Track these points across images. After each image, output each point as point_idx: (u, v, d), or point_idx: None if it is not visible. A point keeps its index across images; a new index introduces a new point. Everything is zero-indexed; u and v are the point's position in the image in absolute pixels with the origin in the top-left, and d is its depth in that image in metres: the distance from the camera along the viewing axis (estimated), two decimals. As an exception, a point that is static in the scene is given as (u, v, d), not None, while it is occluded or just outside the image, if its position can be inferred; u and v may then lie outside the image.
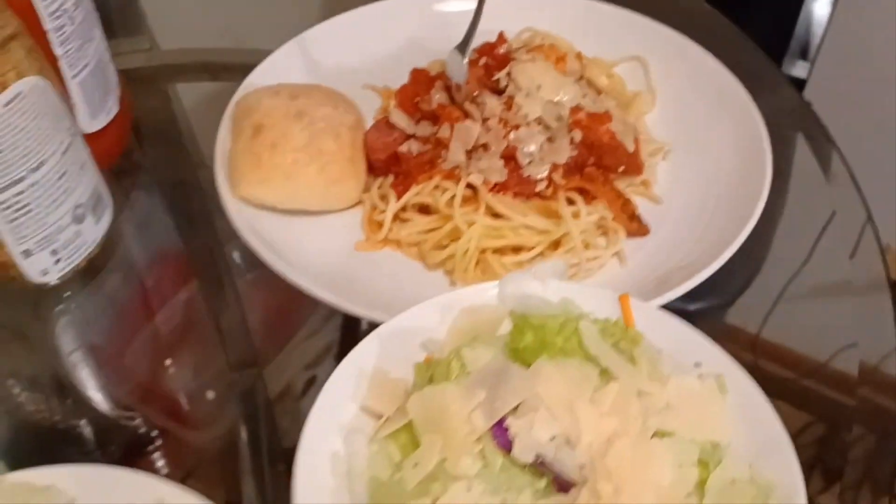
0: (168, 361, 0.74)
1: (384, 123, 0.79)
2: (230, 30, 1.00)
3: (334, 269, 0.72)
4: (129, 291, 0.79)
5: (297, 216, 0.76)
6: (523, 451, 0.52)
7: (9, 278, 0.71)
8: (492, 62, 0.80)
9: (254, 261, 0.79)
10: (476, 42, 0.80)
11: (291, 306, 0.76)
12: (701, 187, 0.78)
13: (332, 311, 0.74)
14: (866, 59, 1.37)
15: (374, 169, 0.78)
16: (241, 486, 0.66)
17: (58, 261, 0.72)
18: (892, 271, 0.77)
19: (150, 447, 0.68)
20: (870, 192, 0.82)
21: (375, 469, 0.54)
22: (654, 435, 0.54)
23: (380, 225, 0.75)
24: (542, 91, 0.76)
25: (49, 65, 0.69)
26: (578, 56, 0.83)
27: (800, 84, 1.35)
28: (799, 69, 1.38)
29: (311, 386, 0.70)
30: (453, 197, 0.74)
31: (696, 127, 0.81)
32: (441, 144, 0.76)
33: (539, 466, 0.52)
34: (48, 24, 0.71)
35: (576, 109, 0.76)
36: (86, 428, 0.71)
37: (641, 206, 0.77)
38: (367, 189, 0.78)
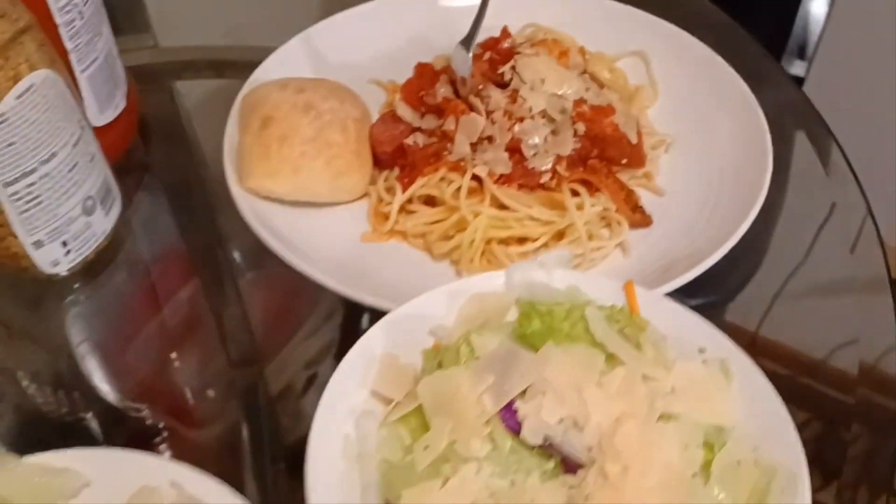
0: (170, 359, 0.74)
1: (390, 117, 0.80)
2: (233, 28, 1.00)
3: (342, 260, 0.73)
4: (132, 289, 0.80)
5: (304, 208, 0.77)
6: (532, 433, 0.53)
7: (20, 269, 0.72)
8: (496, 57, 0.81)
9: (255, 260, 0.80)
10: (480, 37, 0.81)
11: (292, 305, 0.77)
12: (703, 179, 0.78)
13: (332, 311, 0.75)
14: (864, 59, 1.38)
15: (379, 162, 0.79)
16: (242, 484, 0.66)
17: (68, 252, 0.73)
18: (892, 268, 0.77)
19: (152, 443, 0.68)
20: (868, 191, 0.83)
21: (386, 451, 0.55)
22: (660, 418, 0.55)
23: (386, 216, 0.76)
24: (545, 84, 0.77)
25: (59, 59, 0.69)
26: (581, 51, 0.84)
27: (798, 83, 1.36)
28: (797, 68, 1.38)
29: (312, 384, 0.71)
30: (459, 188, 0.74)
31: (697, 120, 0.82)
32: (446, 137, 0.76)
33: (547, 448, 0.53)
34: (59, 19, 0.72)
35: (579, 102, 0.76)
36: (91, 421, 0.71)
37: (644, 198, 0.78)
38: (373, 182, 0.79)
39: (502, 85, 0.78)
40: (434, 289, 0.62)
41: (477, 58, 0.80)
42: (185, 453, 0.67)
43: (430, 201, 0.77)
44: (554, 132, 0.76)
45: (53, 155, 0.68)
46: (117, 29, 0.81)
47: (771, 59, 0.95)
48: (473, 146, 0.76)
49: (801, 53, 1.36)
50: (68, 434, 0.69)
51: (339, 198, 0.77)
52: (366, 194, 0.79)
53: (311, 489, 0.52)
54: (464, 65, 0.78)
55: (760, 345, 0.74)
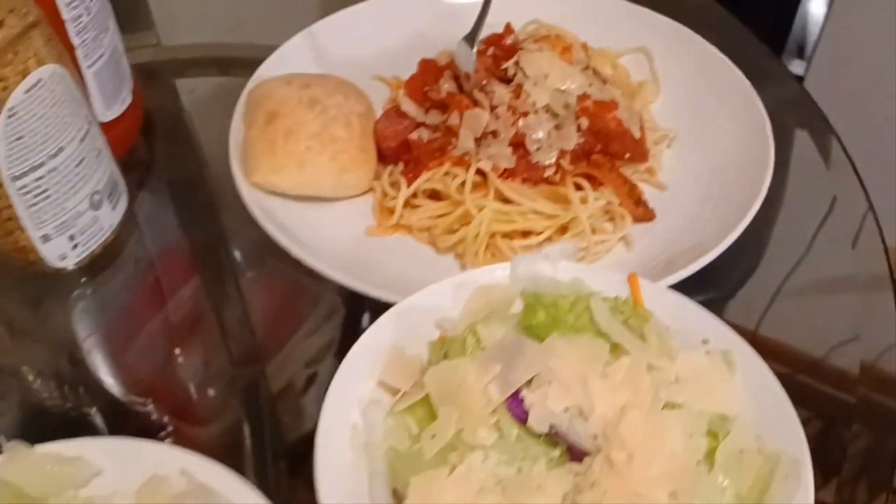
0: (173, 355, 0.75)
1: (394, 112, 0.81)
2: (235, 25, 1.01)
3: (347, 254, 0.74)
4: (137, 284, 0.80)
5: (309, 203, 0.77)
6: (538, 422, 0.54)
7: (28, 263, 0.72)
8: (499, 53, 0.81)
9: (256, 258, 0.81)
10: (482, 34, 0.81)
11: (293, 304, 0.77)
12: (705, 174, 0.79)
13: (333, 309, 0.76)
14: (863, 58, 1.39)
15: (384, 157, 0.80)
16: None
17: (75, 246, 0.73)
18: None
19: (154, 439, 0.69)
20: (868, 190, 0.84)
21: (393, 441, 0.56)
22: (664, 407, 0.55)
23: (391, 211, 0.76)
24: (549, 80, 0.77)
25: (67, 54, 0.70)
26: (584, 47, 0.84)
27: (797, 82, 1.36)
28: (796, 67, 1.39)
29: (313, 383, 0.71)
30: (463, 183, 0.75)
31: (699, 116, 0.83)
32: (451, 132, 0.77)
33: (553, 437, 0.54)
34: (66, 14, 0.73)
35: (583, 97, 0.77)
36: (93, 416, 0.71)
37: (647, 192, 0.78)
38: (377, 177, 0.79)
39: (506, 80, 0.79)
40: (439, 281, 0.63)
41: (480, 54, 0.80)
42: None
43: (434, 196, 0.77)
44: (557, 127, 0.76)
45: (61, 149, 0.68)
46: (120, 27, 0.82)
47: (772, 55, 0.95)
48: (477, 141, 0.76)
49: (801, 53, 1.37)
50: (71, 427, 0.69)
51: (344, 193, 0.78)
52: (370, 189, 0.79)
53: (319, 477, 0.53)
54: (467, 60, 0.79)
55: (760, 342, 0.74)
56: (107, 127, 0.77)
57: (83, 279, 0.76)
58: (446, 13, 0.88)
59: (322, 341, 0.74)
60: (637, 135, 0.78)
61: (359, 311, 0.75)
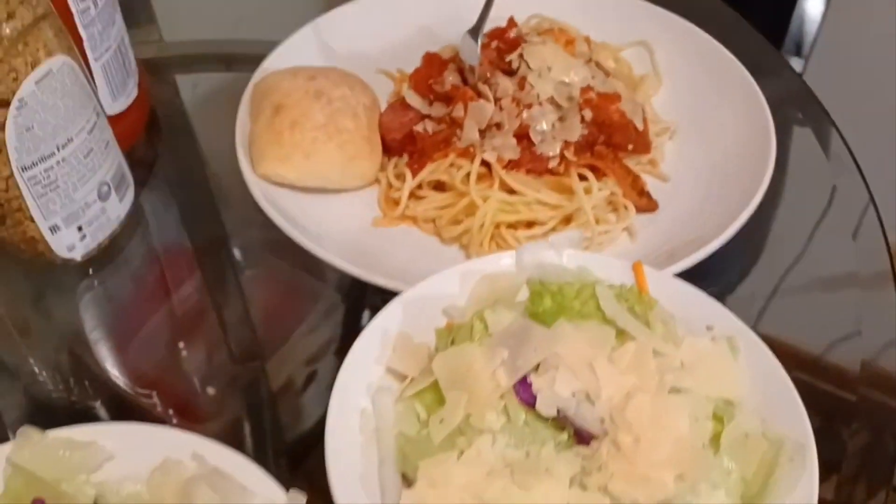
0: (175, 351, 0.75)
1: (399, 104, 0.82)
2: (237, 22, 1.01)
3: (353, 245, 0.74)
4: (143, 277, 0.81)
5: (315, 195, 0.78)
6: (546, 406, 0.54)
7: (37, 253, 0.73)
8: (503, 46, 0.82)
9: (257, 256, 0.81)
10: (485, 28, 0.82)
11: (293, 302, 0.78)
12: (707, 165, 0.80)
13: (333, 307, 0.76)
14: (860, 56, 1.39)
15: (389, 149, 0.80)
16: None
17: (83, 237, 0.74)
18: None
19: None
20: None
21: (403, 426, 0.57)
22: (670, 392, 0.56)
23: (396, 202, 0.77)
24: (552, 72, 0.78)
25: (75, 46, 0.71)
26: (587, 40, 0.85)
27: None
28: (794, 65, 1.40)
29: (312, 381, 0.71)
30: (468, 174, 0.75)
31: (700, 108, 0.83)
32: (455, 124, 0.78)
33: (561, 420, 0.55)
34: (74, 7, 0.73)
35: (586, 89, 0.78)
36: (98, 408, 0.72)
37: (649, 184, 0.79)
38: (382, 168, 0.80)
39: (510, 73, 0.80)
40: (446, 269, 0.64)
41: (484, 47, 0.81)
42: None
43: (439, 187, 0.78)
44: (561, 118, 0.77)
45: (70, 140, 0.69)
46: (123, 23, 0.83)
47: (772, 48, 0.96)
48: (482, 132, 0.77)
49: (798, 51, 1.37)
50: (74, 418, 0.69)
51: (350, 183, 0.78)
52: (375, 181, 0.80)
53: (330, 460, 0.54)
54: (472, 53, 0.79)
55: (761, 338, 0.75)
56: (113, 120, 0.78)
57: (90, 270, 0.77)
58: (448, 8, 0.88)
59: (321, 340, 0.74)
60: (640, 126, 0.78)
61: (359, 308, 0.76)
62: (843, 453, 0.66)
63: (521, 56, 0.79)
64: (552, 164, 0.76)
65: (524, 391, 0.55)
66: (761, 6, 1.09)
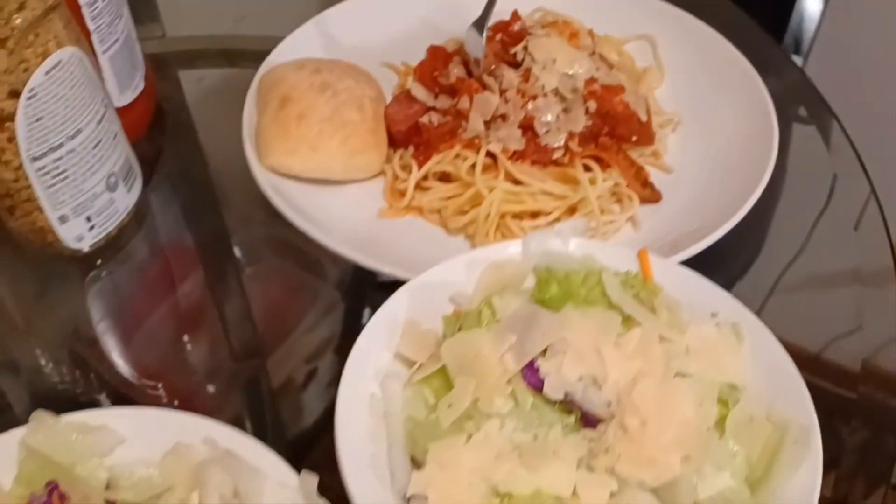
0: (176, 347, 0.75)
1: (404, 97, 0.82)
2: (240, 18, 1.02)
3: (360, 235, 0.74)
4: (146, 270, 0.81)
5: (321, 186, 0.78)
6: (553, 389, 0.55)
7: (45, 244, 0.73)
8: (507, 39, 0.83)
9: (256, 254, 0.82)
10: (490, 21, 0.82)
11: (292, 300, 0.78)
12: (709, 157, 0.80)
13: (332, 305, 0.77)
14: (859, 54, 1.40)
15: (394, 141, 0.81)
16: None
17: (92, 227, 0.74)
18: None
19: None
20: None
21: (411, 410, 0.57)
22: (675, 377, 0.57)
23: (402, 193, 0.78)
24: (557, 64, 0.78)
25: (83, 38, 0.71)
26: (590, 33, 0.85)
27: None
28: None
29: (312, 379, 0.72)
30: (474, 165, 0.76)
31: (703, 101, 0.84)
32: (461, 115, 0.78)
33: (568, 404, 0.55)
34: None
35: (590, 81, 0.78)
36: (104, 400, 0.72)
37: (653, 175, 0.80)
38: (388, 160, 0.80)
39: (515, 65, 0.80)
40: (453, 257, 0.64)
41: (489, 40, 0.81)
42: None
43: (444, 178, 0.78)
44: (566, 110, 0.78)
45: (79, 131, 0.69)
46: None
47: (773, 42, 0.96)
48: (487, 124, 0.78)
49: (797, 49, 1.38)
50: (78, 408, 0.70)
51: (356, 175, 0.79)
52: (381, 172, 0.80)
53: (341, 444, 0.54)
54: (477, 46, 0.80)
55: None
56: (120, 112, 0.78)
57: (98, 261, 0.77)
58: (451, 1, 0.89)
59: (321, 337, 0.74)
60: (643, 118, 0.79)
61: (359, 307, 0.77)
62: (842, 450, 0.66)
63: (525, 48, 0.80)
64: (557, 155, 0.77)
65: (532, 376, 0.56)
66: (761, 4, 1.09)
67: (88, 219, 0.73)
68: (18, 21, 0.63)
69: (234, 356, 0.76)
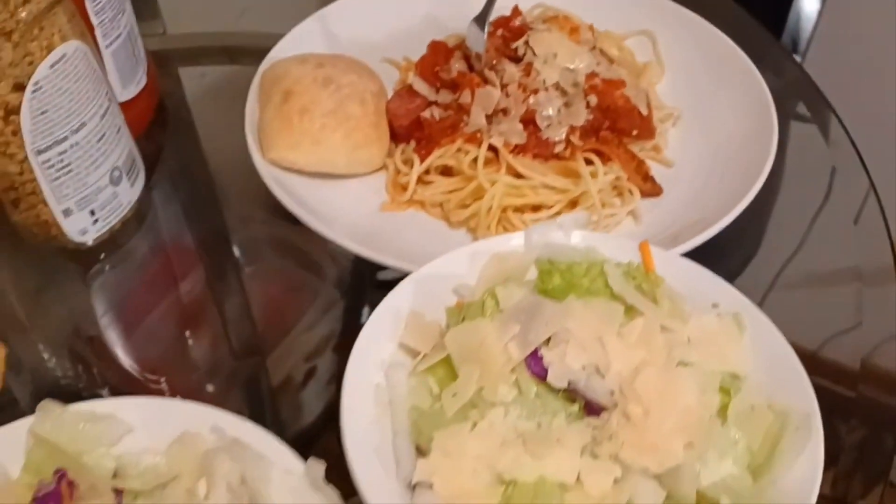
0: (173, 347, 0.76)
1: (406, 91, 0.83)
2: (240, 15, 1.02)
3: (363, 228, 0.75)
4: (149, 265, 0.81)
5: (323, 180, 0.79)
6: (557, 378, 0.55)
7: (49, 237, 0.74)
8: (508, 34, 0.83)
9: (257, 251, 0.82)
10: (490, 17, 0.83)
11: (292, 297, 0.78)
12: (709, 151, 0.81)
13: (332, 303, 0.77)
14: (856, 54, 1.40)
15: (396, 136, 0.81)
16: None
17: (96, 221, 0.74)
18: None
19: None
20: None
21: (416, 399, 0.57)
22: (678, 365, 0.57)
23: (404, 187, 0.78)
24: (558, 59, 0.79)
25: (87, 32, 0.71)
26: (591, 28, 0.86)
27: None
28: (791, 61, 1.40)
29: (312, 377, 0.72)
30: (475, 159, 0.76)
31: (703, 95, 0.85)
32: (462, 110, 0.79)
33: (571, 392, 0.56)
34: (85, -6, 0.74)
35: (591, 75, 0.79)
36: (105, 393, 0.72)
37: (653, 169, 0.80)
38: (390, 154, 0.81)
39: (516, 60, 0.81)
40: (455, 249, 0.65)
41: (490, 35, 0.82)
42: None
43: (446, 172, 0.79)
44: (567, 104, 0.78)
45: (83, 125, 0.70)
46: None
47: (772, 38, 0.97)
48: (489, 118, 0.78)
49: (794, 49, 1.38)
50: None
51: (358, 170, 0.79)
52: (383, 167, 0.81)
53: (346, 433, 0.54)
54: (478, 41, 0.80)
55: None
56: (122, 108, 0.78)
57: (101, 255, 0.77)
58: (454, -2, 0.90)
59: (320, 335, 0.75)
60: (644, 112, 0.79)
61: (358, 305, 0.77)
62: (840, 448, 0.66)
63: (526, 43, 0.80)
64: (558, 149, 0.77)
65: (535, 364, 0.56)
66: (760, 3, 1.10)
67: (92, 212, 0.74)
68: (24, 14, 0.64)
69: (234, 353, 0.76)
